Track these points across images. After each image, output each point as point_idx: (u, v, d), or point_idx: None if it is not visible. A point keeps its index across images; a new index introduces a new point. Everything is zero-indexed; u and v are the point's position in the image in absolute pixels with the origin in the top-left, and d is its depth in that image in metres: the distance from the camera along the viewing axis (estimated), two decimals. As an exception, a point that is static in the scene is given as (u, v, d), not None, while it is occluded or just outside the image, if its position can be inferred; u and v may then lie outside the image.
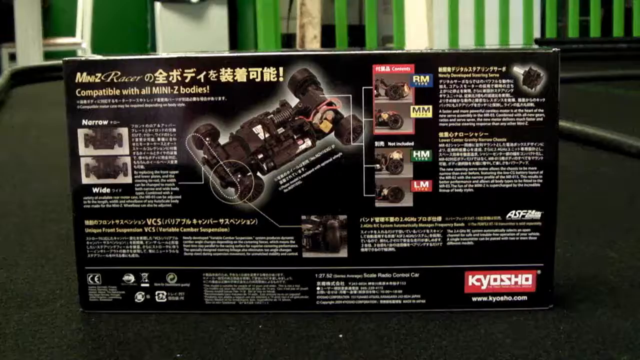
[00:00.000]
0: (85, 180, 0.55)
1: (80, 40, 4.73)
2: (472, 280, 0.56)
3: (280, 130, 0.54)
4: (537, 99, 0.54)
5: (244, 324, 0.55)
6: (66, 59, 0.54)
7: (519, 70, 0.54)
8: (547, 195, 0.55)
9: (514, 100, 0.54)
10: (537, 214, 0.55)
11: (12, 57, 4.02)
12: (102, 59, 0.54)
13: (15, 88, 2.07)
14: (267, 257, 0.56)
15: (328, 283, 0.56)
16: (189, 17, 4.91)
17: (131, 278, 0.56)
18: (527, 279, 0.56)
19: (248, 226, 0.55)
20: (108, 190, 0.55)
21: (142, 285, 0.56)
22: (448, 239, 0.56)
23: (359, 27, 3.30)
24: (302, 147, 0.55)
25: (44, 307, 0.58)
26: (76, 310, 0.57)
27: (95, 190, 0.55)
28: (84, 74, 0.54)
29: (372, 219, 0.55)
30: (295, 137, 0.54)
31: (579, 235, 0.75)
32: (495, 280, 0.56)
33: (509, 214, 0.55)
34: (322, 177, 0.55)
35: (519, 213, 0.55)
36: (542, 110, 0.54)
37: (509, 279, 0.56)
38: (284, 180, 0.55)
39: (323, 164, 0.55)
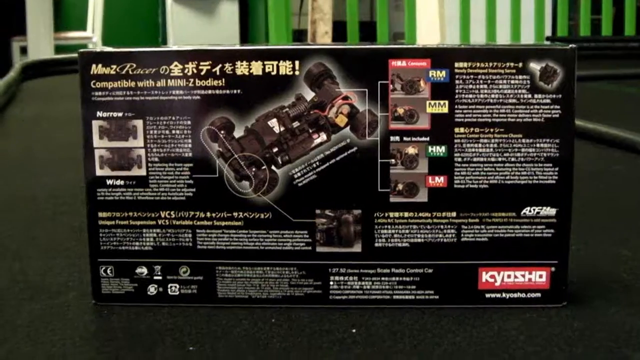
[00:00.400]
0: (99, 172, 0.55)
1: (92, 35, 4.77)
2: (486, 276, 0.56)
3: (296, 124, 0.54)
4: (554, 96, 0.54)
5: (257, 317, 0.55)
6: (82, 50, 0.54)
7: (535, 67, 0.54)
8: (562, 192, 0.55)
9: (530, 96, 0.54)
10: (552, 211, 0.55)
11: (24, 50, 4.06)
12: (118, 50, 0.54)
13: (26, 82, 2.07)
14: (281, 251, 0.55)
15: (341, 278, 0.56)
16: (200, 12, 4.91)
17: (144, 271, 0.56)
18: (541, 276, 0.56)
19: (262, 220, 0.55)
20: (122, 183, 0.55)
21: (155, 278, 0.56)
22: (462, 235, 0.55)
23: (370, 24, 3.28)
24: (317, 141, 0.54)
25: (56, 299, 0.58)
26: (89, 302, 0.57)
27: (109, 182, 0.55)
28: (99, 65, 0.53)
29: (386, 214, 0.55)
30: (310, 131, 0.54)
31: (593, 233, 0.74)
32: (509, 276, 0.56)
33: (524, 211, 0.55)
34: (337, 172, 0.55)
35: (534, 210, 0.55)
36: (559, 107, 0.54)
37: (523, 276, 0.56)
38: (299, 174, 0.55)
39: (338, 158, 0.54)
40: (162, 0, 5.09)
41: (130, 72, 0.53)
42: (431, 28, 1.83)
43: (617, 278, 0.62)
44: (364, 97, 0.54)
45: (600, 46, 3.07)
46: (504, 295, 0.56)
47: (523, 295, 0.56)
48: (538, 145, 0.54)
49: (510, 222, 0.55)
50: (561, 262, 0.56)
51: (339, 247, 0.55)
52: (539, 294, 0.56)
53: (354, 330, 0.53)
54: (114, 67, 0.53)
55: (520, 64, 0.54)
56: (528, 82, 0.54)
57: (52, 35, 2.89)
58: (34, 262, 0.67)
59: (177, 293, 0.56)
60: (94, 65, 0.54)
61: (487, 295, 0.56)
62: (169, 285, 0.56)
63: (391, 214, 0.55)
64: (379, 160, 0.54)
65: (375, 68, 0.53)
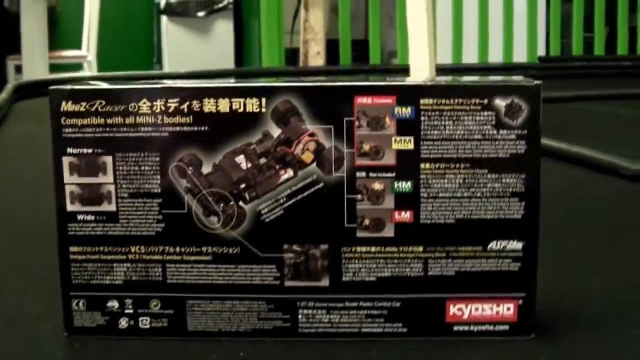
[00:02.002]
0: (70, 207, 0.55)
1: (86, 54, 4.77)
2: (453, 309, 0.56)
3: (263, 160, 0.55)
4: (519, 131, 0.54)
5: (226, 350, 0.55)
6: (52, 87, 0.54)
7: (500, 103, 0.54)
8: (528, 226, 0.56)
9: (495, 132, 0.55)
10: (518, 245, 0.56)
11: (18, 69, 4.03)
12: (87, 88, 0.55)
13: (19, 102, 2.09)
14: (250, 285, 0.56)
15: (310, 311, 0.56)
16: (195, 31, 4.94)
17: (115, 304, 0.56)
18: (508, 309, 0.56)
19: (230, 254, 0.56)
20: (92, 218, 0.55)
21: (126, 311, 0.56)
22: (429, 269, 0.56)
23: (365, 42, 3.29)
24: (284, 177, 0.55)
25: (31, 331, 0.58)
26: (62, 334, 0.57)
27: (79, 217, 0.55)
28: (69, 102, 0.54)
29: (353, 249, 0.56)
30: (277, 167, 0.55)
31: (562, 261, 0.75)
32: (476, 309, 0.56)
33: (490, 245, 0.56)
34: (304, 207, 0.55)
35: (500, 244, 0.56)
36: (524, 142, 0.55)
37: (491, 309, 0.56)
38: (266, 210, 0.55)
39: (305, 194, 0.55)
40: (157, 19, 5.11)
41: (100, 109, 0.54)
42: (421, 48, 1.83)
43: (586, 310, 0.63)
44: (330, 134, 0.54)
45: (593, 65, 3.07)
46: (471, 327, 0.57)
47: (491, 327, 0.57)
48: (504, 180, 0.55)
49: (477, 256, 0.56)
50: (528, 295, 0.56)
51: (306, 281, 0.56)
52: (506, 327, 0.57)
53: (320, 365, 0.53)
54: (84, 104, 0.54)
55: (486, 101, 0.54)
56: (493, 118, 0.54)
57: (47, 54, 2.86)
58: (12, 290, 0.67)
59: (148, 326, 0.57)
60: (64, 102, 0.54)
61: (455, 328, 0.57)
62: (140, 319, 0.57)
63: (358, 249, 0.56)
64: (346, 196, 0.55)
65: (341, 105, 0.54)
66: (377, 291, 0.56)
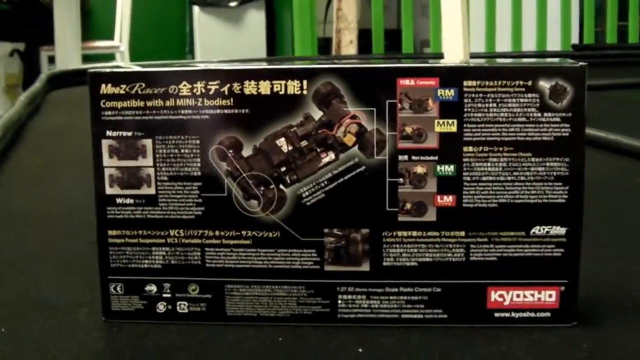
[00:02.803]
0: (109, 191, 0.55)
1: (119, 44, 4.78)
2: (494, 295, 0.56)
3: (304, 143, 0.54)
4: (564, 114, 0.53)
5: (264, 335, 0.55)
6: (91, 70, 0.54)
7: (545, 85, 0.53)
8: (572, 211, 0.55)
9: (539, 115, 0.54)
10: (561, 230, 0.55)
11: (52, 59, 3.99)
12: (127, 71, 0.54)
13: (52, 92, 2.09)
14: (289, 270, 0.56)
15: (350, 296, 0.56)
16: (227, 21, 4.94)
17: (153, 288, 0.56)
18: (550, 296, 0.55)
19: (270, 239, 0.55)
20: (131, 201, 0.55)
21: (164, 295, 0.56)
22: (471, 254, 0.55)
23: (397, 32, 3.21)
24: (325, 160, 0.54)
25: (67, 316, 0.58)
26: (98, 319, 0.57)
27: (118, 200, 0.55)
28: (109, 85, 0.54)
29: (394, 233, 0.55)
30: (318, 150, 0.54)
31: (604, 249, 0.74)
32: (518, 296, 0.56)
33: (533, 230, 0.55)
34: (345, 191, 0.55)
35: (544, 229, 0.55)
36: (568, 125, 0.54)
37: (532, 295, 0.55)
38: (307, 193, 0.55)
39: (346, 177, 0.54)
40: (189, 9, 5.11)
41: (140, 92, 0.54)
42: (456, 36, 1.77)
43: (629, 296, 0.62)
44: (372, 116, 0.54)
45: (627, 53, 3.02)
46: (512, 314, 0.56)
47: (532, 314, 0.56)
48: (547, 164, 0.54)
49: (519, 242, 0.55)
50: (571, 282, 0.55)
51: (347, 266, 0.55)
52: (548, 314, 0.56)
53: (360, 350, 0.53)
54: (124, 86, 0.54)
55: (530, 83, 0.53)
56: (537, 100, 0.53)
57: (80, 45, 2.86)
58: (47, 277, 0.67)
59: (187, 311, 0.56)
60: (103, 85, 0.54)
61: (496, 315, 0.56)
62: (178, 303, 0.56)
63: (399, 233, 0.55)
64: (387, 180, 0.54)
65: (383, 87, 0.53)
66: (418, 277, 0.55)
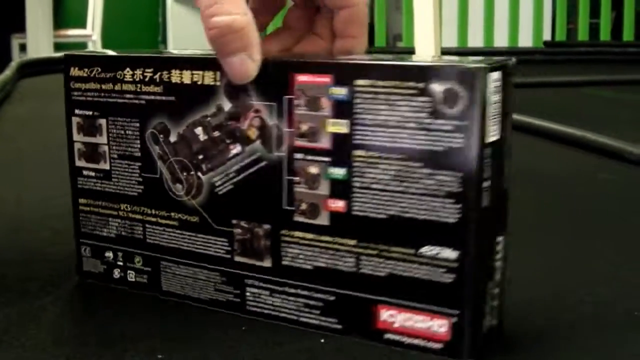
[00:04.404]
0: (77, 163, 0.62)
1: (91, 33, 4.75)
2: (385, 315, 0.51)
3: (216, 133, 0.55)
4: (457, 122, 0.47)
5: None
6: (66, 53, 0.61)
7: (437, 88, 0.47)
8: (464, 234, 0.48)
9: (430, 121, 0.48)
10: (452, 254, 0.48)
11: (23, 47, 4.05)
12: (88, 55, 0.60)
13: (23, 80, 2.06)
14: (207, 255, 0.57)
15: (256, 290, 0.55)
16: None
17: (110, 255, 0.62)
18: (441, 326, 0.49)
19: (192, 223, 0.57)
20: (93, 174, 0.61)
21: (118, 263, 0.61)
22: (361, 266, 0.51)
23: (370, 25, 3.10)
24: (233, 152, 0.55)
25: (33, 304, 0.60)
26: (64, 306, 0.60)
27: (85, 172, 0.61)
28: (76, 68, 0.60)
29: (291, 233, 0.53)
30: (227, 141, 0.55)
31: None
32: (408, 319, 0.50)
33: (423, 249, 0.49)
34: (250, 184, 0.54)
35: (433, 249, 0.49)
36: (462, 135, 0.47)
37: (423, 322, 0.50)
38: (219, 183, 0.55)
39: (251, 171, 0.54)
40: (163, -1, 4.89)
41: (97, 76, 0.59)
42: (427, 31, 1.75)
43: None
44: (273, 111, 0.53)
45: (598, 50, 3.04)
46: (402, 338, 0.50)
47: (423, 342, 0.50)
48: (438, 177, 0.48)
49: (409, 260, 0.49)
50: (463, 314, 0.48)
51: (252, 259, 0.55)
52: (440, 345, 0.49)
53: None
54: (86, 70, 0.60)
55: (422, 85, 0.48)
56: (429, 105, 0.48)
57: (52, 33, 2.81)
58: (14, 265, 0.68)
59: (134, 280, 0.61)
60: (72, 67, 0.60)
61: (386, 336, 0.51)
62: (128, 272, 0.61)
63: (296, 234, 0.53)
64: (285, 177, 0.53)
65: (280, 82, 0.52)
66: (313, 281, 0.53)
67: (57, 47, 3.04)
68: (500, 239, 0.51)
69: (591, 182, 1.04)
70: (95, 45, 4.85)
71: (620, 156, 1.14)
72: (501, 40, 3.40)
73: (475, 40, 3.38)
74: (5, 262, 0.69)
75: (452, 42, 3.22)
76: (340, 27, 0.56)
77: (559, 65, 2.78)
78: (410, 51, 1.96)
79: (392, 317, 0.51)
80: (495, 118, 0.48)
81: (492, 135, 0.48)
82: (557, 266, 0.68)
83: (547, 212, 0.88)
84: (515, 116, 1.47)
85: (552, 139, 1.29)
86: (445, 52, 1.97)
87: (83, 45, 4.86)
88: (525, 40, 3.46)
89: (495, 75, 0.47)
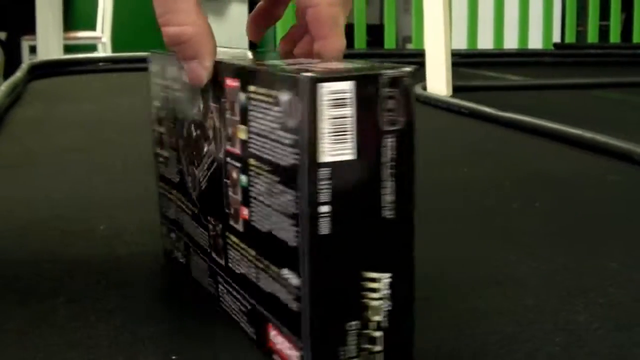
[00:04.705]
0: (155, 149, 0.67)
1: (101, 35, 4.80)
2: (272, 333, 0.48)
3: (198, 131, 0.56)
4: (293, 136, 0.43)
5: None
6: (152, 51, 0.66)
7: (284, 98, 0.43)
8: (300, 260, 0.43)
9: (281, 134, 0.44)
10: (295, 280, 0.44)
11: (33, 49, 3.91)
12: (160, 54, 0.65)
13: (33, 82, 2.02)
14: (202, 248, 0.59)
15: (221, 287, 0.56)
16: (209, 13, 4.03)
17: (173, 236, 0.66)
18: (296, 357, 0.45)
19: (196, 215, 0.59)
20: (162, 159, 0.66)
21: (176, 245, 0.66)
22: (259, 279, 0.49)
23: (380, 27, 3.33)
24: (205, 149, 0.55)
25: (45, 304, 0.60)
26: (76, 307, 0.59)
27: (159, 159, 0.67)
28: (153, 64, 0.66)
29: (230, 236, 0.53)
30: (202, 140, 0.56)
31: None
32: (282, 344, 0.47)
33: (282, 271, 0.45)
34: (211, 184, 0.55)
35: (287, 273, 0.45)
36: (296, 151, 0.42)
37: (289, 349, 0.46)
38: (201, 178, 0.57)
39: (211, 170, 0.55)
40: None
41: (160, 72, 0.65)
42: (437, 33, 1.74)
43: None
44: (217, 113, 0.52)
45: (608, 52, 3.06)
46: None
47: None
48: (287, 195, 0.44)
49: (278, 280, 0.46)
50: (308, 345, 0.44)
51: (217, 256, 0.56)
52: None
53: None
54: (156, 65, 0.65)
55: (275, 94, 0.44)
56: (280, 116, 0.44)
57: (62, 35, 2.77)
58: (24, 266, 0.68)
59: (182, 262, 0.64)
60: (151, 65, 0.66)
61: (273, 357, 0.48)
62: (178, 253, 0.65)
63: (232, 237, 0.52)
64: (223, 179, 0.52)
65: (217, 86, 0.52)
66: (242, 287, 0.52)
67: (67, 49, 3.13)
68: (376, 275, 0.44)
69: (600, 184, 1.03)
70: (105, 47, 4.87)
71: (630, 158, 1.13)
72: (511, 42, 3.43)
73: (485, 42, 3.39)
74: (15, 263, 0.69)
75: (462, 44, 3.19)
76: (310, 28, 0.53)
77: (568, 67, 2.78)
78: (421, 53, 1.90)
79: (275, 337, 0.48)
80: (339, 135, 0.42)
81: (334, 155, 0.42)
82: (568, 268, 0.67)
83: (556, 214, 0.86)
84: (525, 118, 1.38)
85: (562, 140, 1.28)
86: (454, 54, 1.95)
87: (93, 47, 4.94)
88: (535, 42, 3.49)
89: (337, 87, 0.41)
